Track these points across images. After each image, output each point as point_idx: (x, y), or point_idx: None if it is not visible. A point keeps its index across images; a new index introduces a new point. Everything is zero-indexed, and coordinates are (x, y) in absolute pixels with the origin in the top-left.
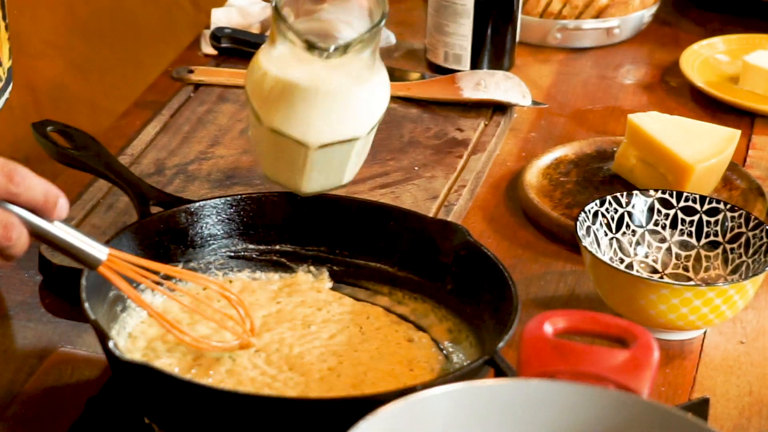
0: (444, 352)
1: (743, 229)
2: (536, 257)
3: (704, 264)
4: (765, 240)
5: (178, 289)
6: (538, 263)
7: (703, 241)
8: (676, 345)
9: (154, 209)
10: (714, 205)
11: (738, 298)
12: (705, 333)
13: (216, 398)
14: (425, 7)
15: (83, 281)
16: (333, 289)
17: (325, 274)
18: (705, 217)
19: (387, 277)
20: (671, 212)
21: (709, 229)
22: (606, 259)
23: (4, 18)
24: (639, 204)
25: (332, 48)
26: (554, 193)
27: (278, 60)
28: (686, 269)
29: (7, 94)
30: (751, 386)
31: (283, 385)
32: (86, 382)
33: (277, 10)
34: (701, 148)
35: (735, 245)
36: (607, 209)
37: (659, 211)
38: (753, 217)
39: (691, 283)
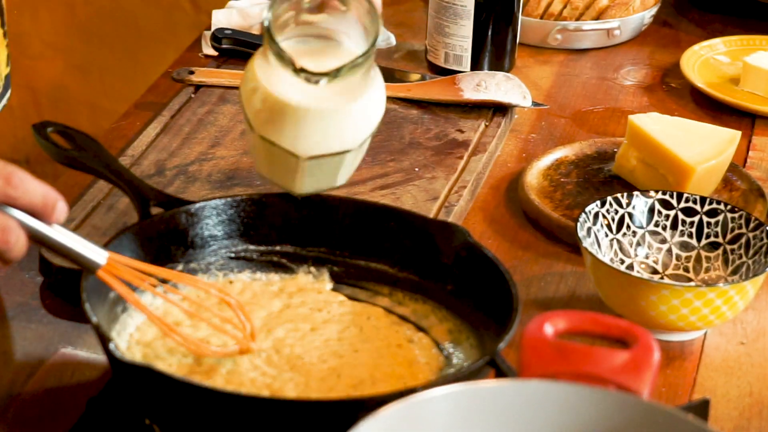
0: (444, 353)
1: (743, 230)
2: (537, 258)
3: (704, 265)
4: (765, 241)
5: (177, 293)
6: (539, 264)
7: (704, 242)
8: (677, 346)
9: (155, 210)
10: (714, 206)
11: (738, 299)
12: (705, 334)
13: (217, 399)
14: (426, 9)
15: (84, 282)
16: (333, 289)
17: (326, 275)
18: (705, 218)
19: (387, 278)
20: (672, 213)
21: (710, 230)
22: (606, 260)
23: (2, 25)
24: (639, 205)
25: (323, 81)
26: (555, 194)
27: (271, 72)
28: (687, 270)
29: (5, 101)
30: (752, 387)
31: (283, 386)
32: (87, 383)
33: (269, 33)
34: (702, 149)
35: (735, 246)
36: (607, 210)
37: (660, 212)
38: (753, 218)
39: (692, 284)
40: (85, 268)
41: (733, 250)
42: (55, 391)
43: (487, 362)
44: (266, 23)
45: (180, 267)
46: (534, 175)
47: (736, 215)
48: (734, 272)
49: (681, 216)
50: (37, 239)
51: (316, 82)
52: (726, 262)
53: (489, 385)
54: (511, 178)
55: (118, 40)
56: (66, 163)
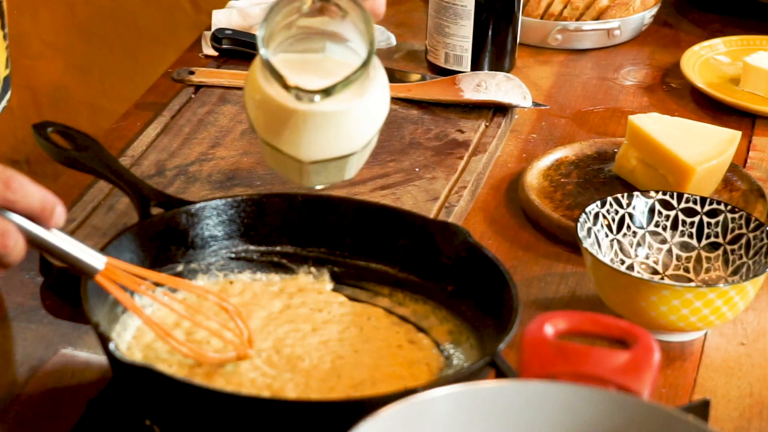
0: (444, 353)
1: (744, 231)
2: (537, 258)
3: (705, 265)
4: (765, 241)
5: (175, 299)
6: (539, 264)
7: (704, 242)
8: (677, 346)
9: (155, 210)
10: (714, 206)
11: (738, 299)
12: (706, 334)
13: (217, 400)
14: (426, 9)
15: (84, 283)
16: (334, 290)
17: (326, 276)
18: (705, 219)
19: (388, 279)
20: (672, 213)
21: (710, 231)
22: (607, 260)
23: (2, 27)
24: (639, 205)
25: (316, 98)
26: (555, 194)
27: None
28: (687, 270)
29: (5, 102)
30: (752, 388)
31: (283, 387)
32: (87, 384)
33: (266, 60)
34: (702, 149)
35: (735, 246)
36: (607, 210)
37: (660, 213)
38: (753, 218)
39: (692, 284)
40: (84, 273)
41: (733, 251)
42: (55, 392)
43: (487, 363)
44: (259, 43)
45: (180, 267)
46: (534, 176)
47: (737, 215)
48: (734, 273)
49: (681, 216)
50: (35, 243)
51: (310, 100)
52: (726, 262)
53: (489, 385)
54: (511, 179)
55: (118, 40)
56: (66, 164)
